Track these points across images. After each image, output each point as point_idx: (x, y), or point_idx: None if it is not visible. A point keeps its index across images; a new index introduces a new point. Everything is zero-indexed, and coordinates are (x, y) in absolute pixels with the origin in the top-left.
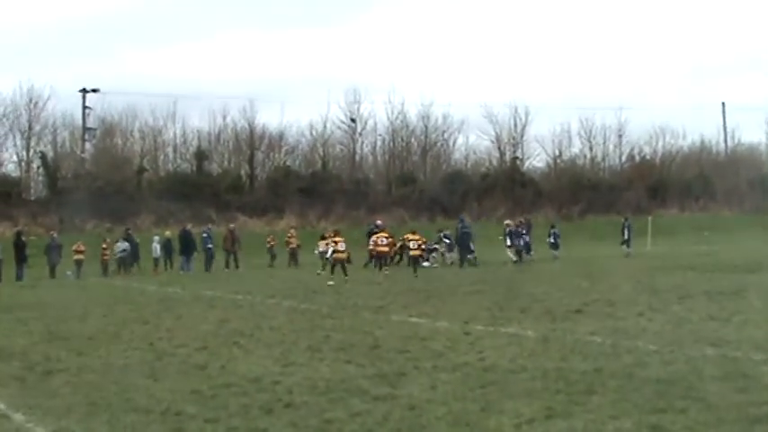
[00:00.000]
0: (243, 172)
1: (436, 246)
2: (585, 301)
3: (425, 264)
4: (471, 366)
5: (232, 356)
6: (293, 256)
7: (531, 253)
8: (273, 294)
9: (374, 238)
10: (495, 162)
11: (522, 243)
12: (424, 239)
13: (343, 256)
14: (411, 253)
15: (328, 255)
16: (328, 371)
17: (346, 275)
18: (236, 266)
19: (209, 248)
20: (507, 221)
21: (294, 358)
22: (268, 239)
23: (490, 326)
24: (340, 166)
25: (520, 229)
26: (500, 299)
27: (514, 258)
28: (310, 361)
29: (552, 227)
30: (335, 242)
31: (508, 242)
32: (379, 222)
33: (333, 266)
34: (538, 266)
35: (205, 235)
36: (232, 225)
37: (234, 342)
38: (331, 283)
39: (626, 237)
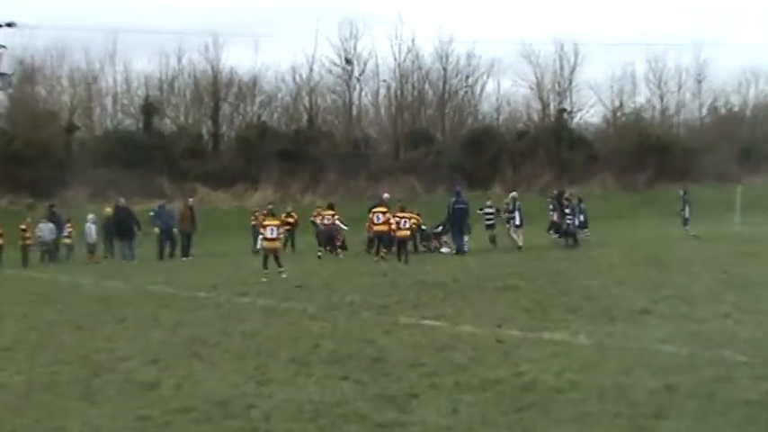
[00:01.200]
0: (205, 130)
1: (442, 227)
2: (654, 297)
3: (444, 250)
4: (505, 384)
5: (191, 372)
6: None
7: (587, 232)
8: (246, 290)
9: (371, 214)
10: (535, 116)
11: (570, 221)
12: (417, 217)
13: (276, 244)
14: (398, 234)
15: (258, 244)
16: (317, 391)
17: (281, 267)
18: (185, 254)
19: (168, 230)
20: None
21: (273, 374)
22: (253, 216)
23: (529, 331)
24: (332, 121)
25: (568, 203)
26: (542, 295)
27: (520, 243)
28: (294, 378)
29: (580, 201)
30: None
31: (517, 221)
32: (386, 196)
33: (265, 258)
34: (592, 252)
35: (153, 213)
36: (191, 200)
37: (193, 353)
38: (264, 279)
39: (686, 214)
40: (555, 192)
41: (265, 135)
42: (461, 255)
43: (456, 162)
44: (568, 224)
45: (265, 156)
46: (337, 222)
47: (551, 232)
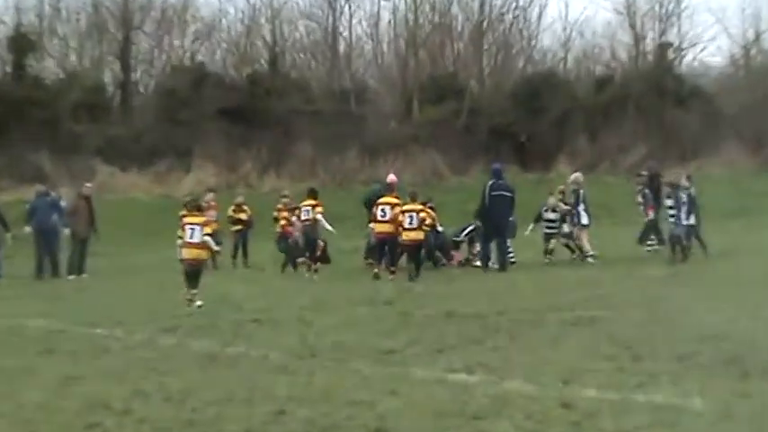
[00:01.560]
0: (109, 77)
1: (471, 228)
2: None
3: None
4: None
5: None
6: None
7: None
8: (173, 326)
9: (374, 208)
10: (623, 55)
11: (677, 219)
12: (430, 212)
13: (199, 254)
14: (404, 238)
15: (179, 254)
16: None
17: (194, 290)
18: (76, 269)
19: (49, 233)
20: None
21: None
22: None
23: (614, 389)
24: (306, 64)
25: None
26: (634, 334)
27: (591, 252)
28: None
29: (677, 187)
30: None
31: (584, 218)
32: (392, 178)
33: (186, 275)
34: (710, 266)
35: (29, 207)
36: (87, 185)
37: (90, 426)
38: (198, 304)
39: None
40: (645, 172)
41: (203, 84)
42: (502, 271)
43: (500, 126)
44: (674, 223)
45: (203, 117)
46: (321, 219)
47: (645, 238)
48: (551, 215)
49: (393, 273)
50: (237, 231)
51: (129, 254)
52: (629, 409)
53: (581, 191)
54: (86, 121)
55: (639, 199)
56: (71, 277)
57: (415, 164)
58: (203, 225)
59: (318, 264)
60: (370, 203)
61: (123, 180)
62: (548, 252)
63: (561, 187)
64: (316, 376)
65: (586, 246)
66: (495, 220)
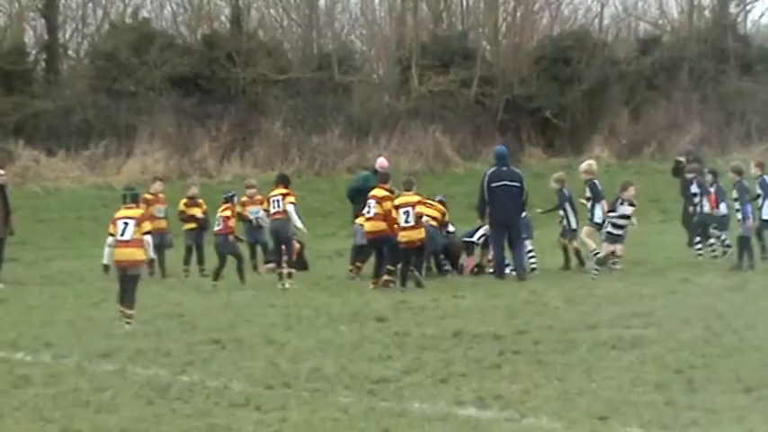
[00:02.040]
0: (30, 38)
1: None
2: None
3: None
4: None
5: None
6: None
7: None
8: (110, 349)
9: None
10: (674, 11)
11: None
12: (441, 208)
13: (134, 255)
14: (402, 239)
15: (106, 256)
16: None
17: (123, 303)
18: None
19: None
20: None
21: None
22: (152, 191)
23: (661, 427)
24: (278, 21)
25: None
26: (687, 358)
27: (601, 260)
28: None
29: (713, 174)
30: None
31: (597, 214)
32: (381, 162)
33: (120, 283)
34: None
35: None
36: (1, 172)
37: None
38: (129, 322)
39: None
40: (683, 158)
41: (148, 46)
42: (521, 280)
43: (519, 99)
44: (744, 218)
45: (149, 87)
46: (291, 212)
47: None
48: (626, 211)
49: (387, 281)
50: (191, 231)
51: (55, 258)
52: None
53: (596, 181)
54: (2, 94)
55: (695, 189)
56: None
57: (414, 146)
58: (140, 220)
59: (292, 270)
60: (358, 195)
61: (48, 166)
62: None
63: (558, 175)
64: (289, 411)
65: (591, 245)
66: (500, 218)
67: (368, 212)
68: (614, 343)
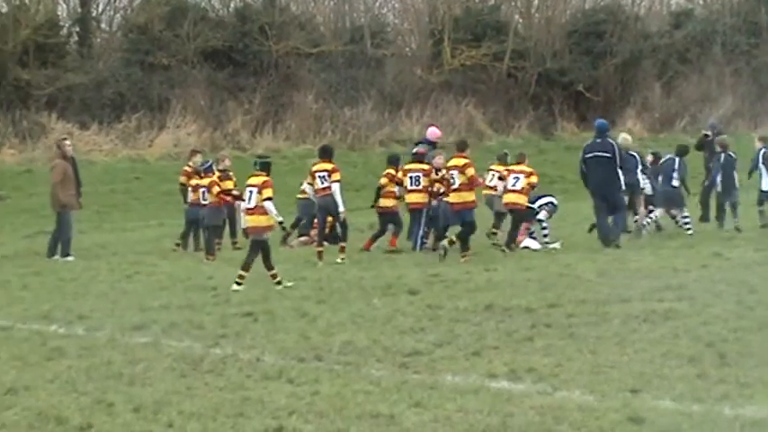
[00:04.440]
0: (63, 10)
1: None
2: None
3: (531, 243)
4: None
5: None
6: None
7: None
8: (144, 321)
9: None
10: None
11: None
12: (428, 169)
13: (263, 221)
14: (407, 200)
15: (242, 222)
16: None
17: (272, 269)
18: (63, 250)
19: None
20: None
21: None
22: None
23: (693, 400)
24: None
25: None
26: (720, 332)
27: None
28: None
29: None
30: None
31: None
32: (434, 133)
33: (249, 255)
34: None
35: None
36: (67, 143)
37: None
38: (279, 281)
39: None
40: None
41: (181, 19)
42: (614, 246)
43: (551, 73)
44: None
45: (182, 60)
46: (336, 192)
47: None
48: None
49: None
50: (224, 204)
51: (88, 231)
52: (714, 426)
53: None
54: (36, 67)
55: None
56: (66, 258)
57: (447, 119)
58: (260, 187)
59: (324, 244)
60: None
61: (82, 139)
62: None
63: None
64: (321, 384)
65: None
66: (594, 188)
67: (452, 183)
68: (647, 316)
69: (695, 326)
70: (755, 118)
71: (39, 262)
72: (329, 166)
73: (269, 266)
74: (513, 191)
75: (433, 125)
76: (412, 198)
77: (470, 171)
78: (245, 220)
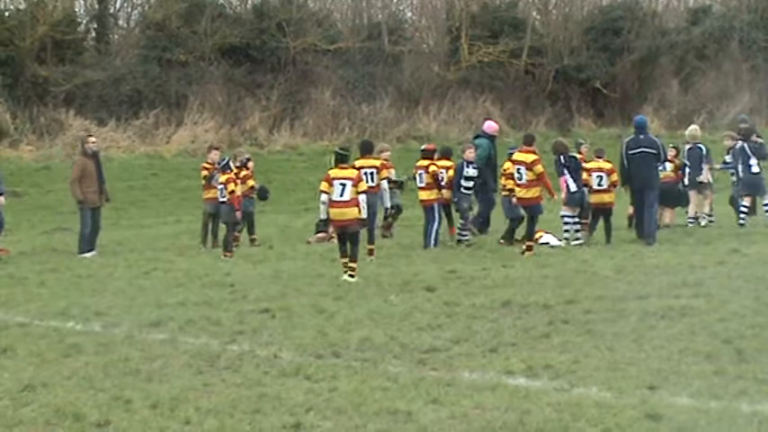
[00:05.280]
0: (81, 6)
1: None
2: None
3: (549, 239)
4: None
5: None
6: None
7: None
8: (161, 318)
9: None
10: None
11: None
12: (435, 163)
13: (355, 213)
14: (420, 197)
15: (322, 212)
16: None
17: (352, 263)
18: (87, 245)
19: None
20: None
21: None
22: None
23: (711, 397)
24: None
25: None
26: (735, 329)
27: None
28: None
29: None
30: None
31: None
32: (491, 126)
33: (342, 247)
34: None
35: None
36: (93, 140)
37: None
38: (352, 275)
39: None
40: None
41: (199, 15)
42: (650, 245)
43: (568, 69)
44: None
45: (200, 57)
46: (386, 190)
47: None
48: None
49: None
50: (244, 197)
51: (105, 228)
52: (731, 422)
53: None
54: (54, 63)
55: (728, 159)
56: (88, 255)
57: (464, 116)
58: (356, 180)
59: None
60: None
61: (99, 136)
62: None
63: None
64: (339, 381)
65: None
66: (637, 183)
67: (518, 179)
68: (664, 313)
69: (712, 322)
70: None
71: (56, 258)
72: (377, 163)
73: (353, 255)
74: (600, 191)
75: (489, 119)
76: (423, 195)
77: (539, 168)
78: (333, 213)
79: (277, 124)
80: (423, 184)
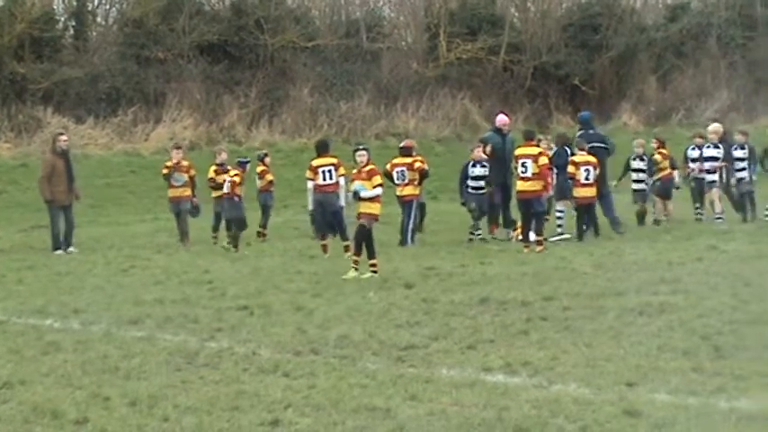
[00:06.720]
0: (59, 4)
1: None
2: None
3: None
4: None
5: None
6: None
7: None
8: (139, 315)
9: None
10: None
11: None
12: (416, 161)
13: (376, 208)
14: (398, 193)
15: (344, 198)
16: None
17: (372, 257)
18: (66, 244)
19: None
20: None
21: None
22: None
23: (689, 393)
24: None
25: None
26: (713, 325)
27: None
28: None
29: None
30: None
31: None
32: (503, 120)
33: (358, 244)
34: None
35: None
36: (64, 138)
37: None
38: (357, 268)
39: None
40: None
41: (177, 12)
42: (621, 234)
43: (547, 66)
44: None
45: (178, 54)
46: (341, 182)
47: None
48: (639, 165)
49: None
50: (220, 198)
51: (83, 225)
52: (709, 418)
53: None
54: (32, 61)
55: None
56: (59, 252)
57: (443, 113)
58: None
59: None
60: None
61: (77, 133)
62: (641, 216)
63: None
64: (317, 378)
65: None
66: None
67: (523, 172)
68: (642, 309)
69: (690, 319)
70: (750, 112)
71: (34, 256)
72: (334, 161)
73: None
74: (587, 185)
75: (502, 112)
76: (404, 191)
77: (543, 160)
78: (359, 206)
79: (255, 121)
80: (405, 181)
